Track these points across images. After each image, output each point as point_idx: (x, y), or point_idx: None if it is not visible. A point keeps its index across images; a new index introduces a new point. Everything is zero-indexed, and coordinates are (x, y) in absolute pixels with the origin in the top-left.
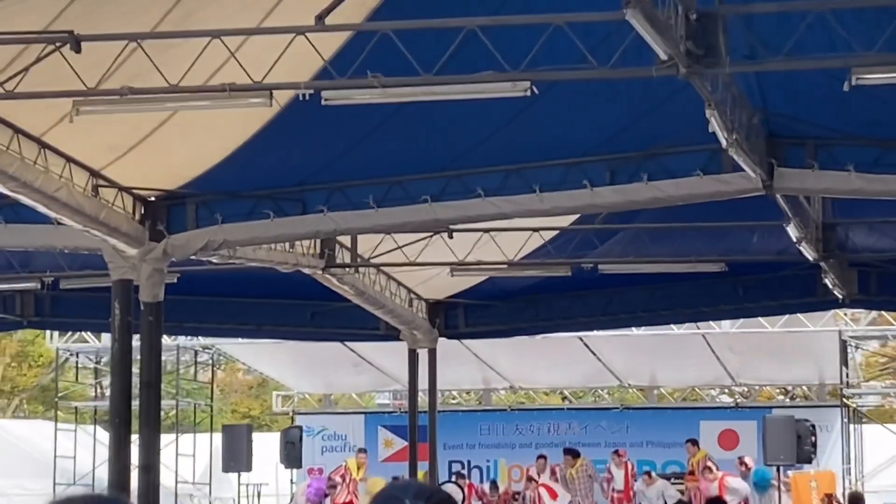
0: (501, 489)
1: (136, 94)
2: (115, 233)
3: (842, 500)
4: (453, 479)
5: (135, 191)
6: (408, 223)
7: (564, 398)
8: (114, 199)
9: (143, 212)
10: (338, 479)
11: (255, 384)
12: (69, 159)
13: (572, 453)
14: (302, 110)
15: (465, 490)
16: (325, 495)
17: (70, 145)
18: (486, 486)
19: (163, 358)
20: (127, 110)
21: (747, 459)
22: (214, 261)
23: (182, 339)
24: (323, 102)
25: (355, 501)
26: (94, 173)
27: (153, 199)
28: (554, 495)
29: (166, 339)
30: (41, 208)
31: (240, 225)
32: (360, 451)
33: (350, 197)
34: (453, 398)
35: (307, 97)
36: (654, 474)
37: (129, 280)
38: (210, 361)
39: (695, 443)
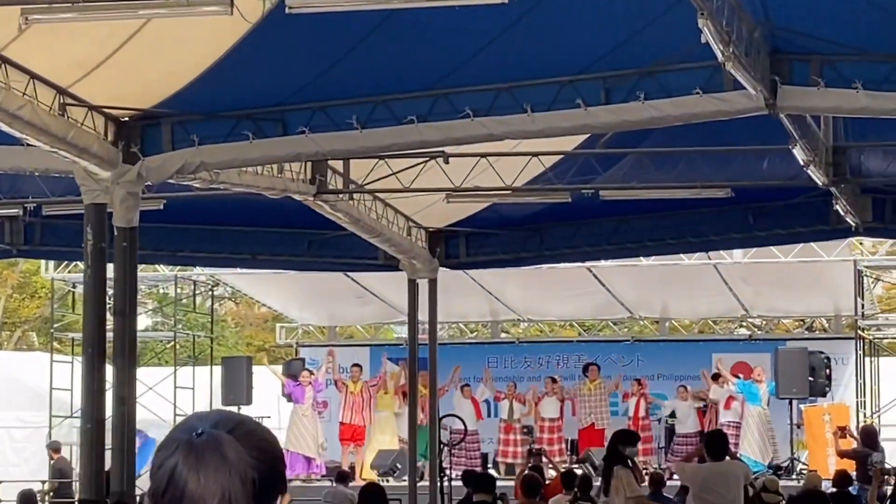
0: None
1: (88, 3)
2: (86, 154)
3: (855, 433)
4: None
5: (106, 110)
6: (394, 144)
7: (577, 331)
8: (83, 119)
9: (115, 132)
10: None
11: (270, 317)
12: (33, 76)
13: (597, 367)
14: (278, 25)
15: (472, 403)
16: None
17: (34, 61)
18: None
19: (163, 289)
20: (79, 19)
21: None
22: (196, 185)
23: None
24: (287, 11)
25: (356, 418)
26: (60, 91)
27: (126, 119)
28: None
29: (164, 270)
30: (4, 127)
31: (217, 146)
32: (354, 366)
33: (333, 117)
34: (471, 330)
35: (272, 4)
36: (689, 388)
37: (103, 204)
38: (210, 293)
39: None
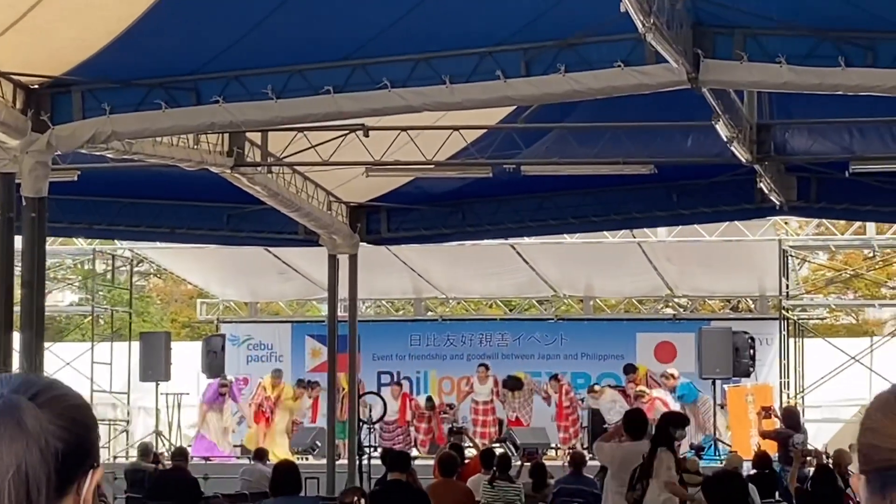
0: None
1: None
2: None
3: (779, 414)
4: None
5: (14, 77)
6: (310, 115)
7: (503, 310)
8: None
9: (24, 100)
10: (231, 378)
11: (196, 294)
12: None
13: (512, 385)
14: None
15: (401, 400)
16: (221, 395)
17: None
18: (423, 402)
19: (88, 264)
20: None
21: (673, 371)
22: (109, 155)
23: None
24: None
25: (270, 420)
26: None
27: (36, 86)
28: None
29: (82, 243)
30: None
31: (129, 115)
32: (275, 371)
33: (247, 86)
34: (397, 308)
35: None
36: (598, 387)
37: (11, 174)
38: (129, 267)
39: (631, 369)
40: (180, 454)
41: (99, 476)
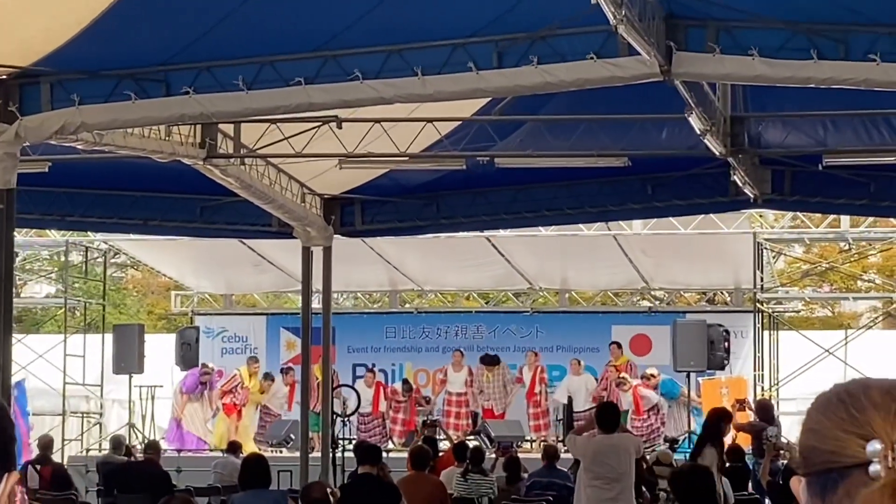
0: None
1: None
2: None
3: (753, 407)
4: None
5: None
6: (280, 107)
7: (479, 303)
8: None
9: None
10: (213, 366)
11: (172, 286)
12: None
13: (489, 360)
14: None
15: (374, 389)
16: (201, 383)
17: None
18: (399, 386)
19: (53, 254)
20: None
21: (653, 371)
22: (79, 147)
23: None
24: None
25: (241, 414)
26: None
27: (4, 77)
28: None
29: (56, 235)
30: None
31: (98, 107)
32: (251, 359)
33: (218, 78)
34: (374, 301)
35: None
36: (582, 362)
37: None
38: (103, 259)
39: (620, 346)
40: (152, 447)
41: (13, 480)
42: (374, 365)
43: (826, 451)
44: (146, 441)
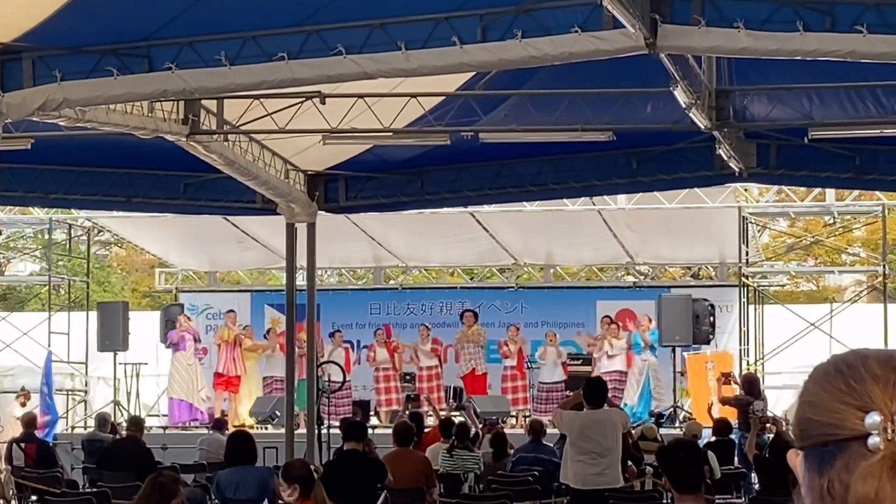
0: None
1: None
2: None
3: (739, 381)
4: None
5: None
6: (264, 82)
7: (463, 279)
8: None
9: None
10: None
11: (156, 263)
12: None
13: (474, 314)
14: None
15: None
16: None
17: None
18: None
19: (37, 231)
20: None
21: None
22: (62, 123)
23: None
24: None
25: (228, 366)
26: None
27: None
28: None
29: (40, 213)
30: None
31: (81, 83)
32: (228, 312)
33: (200, 53)
34: (358, 277)
35: None
36: (557, 335)
37: None
38: (87, 236)
39: (613, 321)
40: (134, 424)
41: None
42: (358, 342)
43: (824, 424)
44: (129, 417)
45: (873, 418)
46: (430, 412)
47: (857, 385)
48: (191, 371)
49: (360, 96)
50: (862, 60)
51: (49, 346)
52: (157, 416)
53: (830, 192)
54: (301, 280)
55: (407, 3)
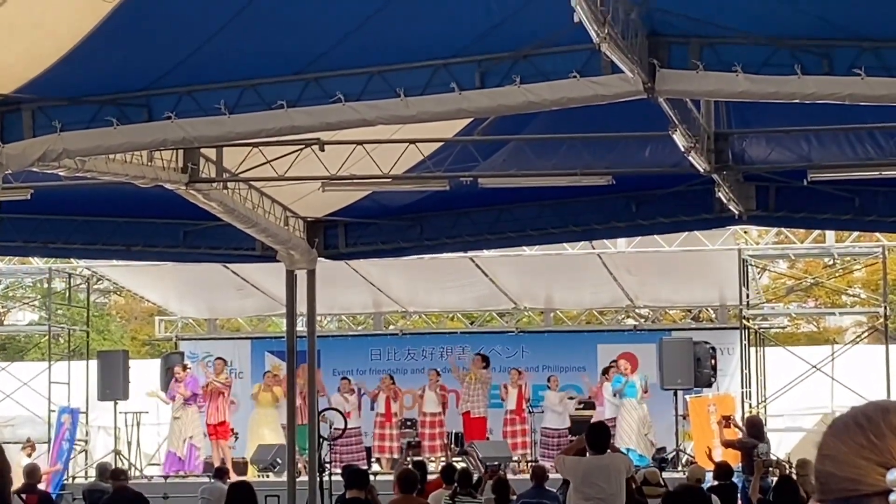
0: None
1: None
2: None
3: (740, 423)
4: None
5: None
6: (263, 130)
7: (464, 323)
8: None
9: None
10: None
11: (155, 311)
12: None
13: (484, 359)
14: (140, 7)
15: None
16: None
17: None
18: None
19: (37, 281)
20: None
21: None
22: (62, 173)
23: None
24: None
25: (214, 415)
26: None
27: None
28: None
29: (39, 262)
30: None
31: (80, 133)
32: (218, 359)
33: (200, 102)
34: (358, 323)
35: None
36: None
37: None
38: (86, 285)
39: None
40: (119, 474)
41: None
42: (359, 389)
43: (845, 479)
44: (110, 469)
45: (895, 475)
46: (433, 459)
47: (877, 441)
48: (178, 422)
49: (359, 143)
50: (860, 103)
51: (49, 395)
52: (158, 464)
53: (830, 234)
54: (301, 326)
55: (405, 50)
